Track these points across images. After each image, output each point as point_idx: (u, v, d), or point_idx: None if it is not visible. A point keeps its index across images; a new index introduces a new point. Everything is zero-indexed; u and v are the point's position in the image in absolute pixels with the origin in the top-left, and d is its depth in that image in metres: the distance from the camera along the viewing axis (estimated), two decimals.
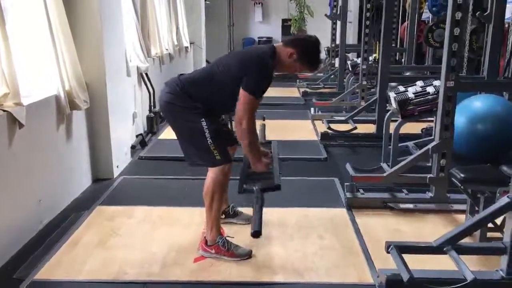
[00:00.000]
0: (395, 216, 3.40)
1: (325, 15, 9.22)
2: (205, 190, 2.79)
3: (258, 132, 3.25)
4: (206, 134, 2.69)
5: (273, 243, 3.01)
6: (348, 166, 3.83)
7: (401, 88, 4.33)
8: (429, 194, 3.53)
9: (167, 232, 3.18)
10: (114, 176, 4.23)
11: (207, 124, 2.69)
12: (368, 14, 6.17)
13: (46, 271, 2.67)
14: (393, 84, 5.18)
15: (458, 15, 3.11)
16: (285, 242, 3.03)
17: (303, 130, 5.91)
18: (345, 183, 3.64)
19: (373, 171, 3.83)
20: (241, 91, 2.64)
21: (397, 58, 9.07)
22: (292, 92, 8.75)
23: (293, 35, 3.26)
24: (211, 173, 2.79)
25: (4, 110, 2.83)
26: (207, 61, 10.70)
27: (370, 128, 5.44)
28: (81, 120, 3.93)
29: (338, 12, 8.26)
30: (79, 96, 3.69)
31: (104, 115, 4.08)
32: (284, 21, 14.27)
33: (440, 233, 2.51)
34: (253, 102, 2.66)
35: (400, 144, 4.37)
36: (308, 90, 8.27)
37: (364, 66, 6.22)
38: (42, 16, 3.34)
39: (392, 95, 4.25)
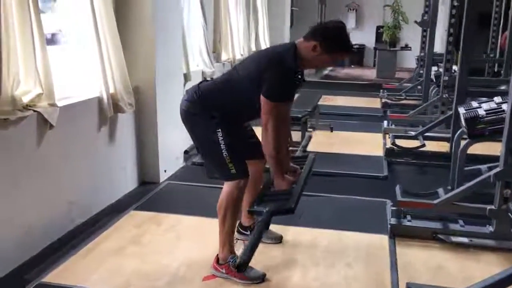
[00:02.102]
0: (443, 251, 2.97)
1: (415, 21, 8.63)
2: (219, 204, 2.62)
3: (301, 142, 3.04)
4: (221, 145, 2.52)
5: (293, 268, 2.76)
6: (398, 188, 3.44)
7: (474, 104, 3.85)
8: (489, 228, 3.05)
9: (188, 244, 3.05)
10: (161, 181, 4.20)
11: (223, 135, 2.52)
12: (452, 20, 5.61)
13: (55, 275, 2.65)
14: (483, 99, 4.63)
15: None
16: (307, 268, 2.76)
17: (371, 144, 5.51)
18: (391, 208, 3.26)
19: (426, 196, 3.40)
20: (261, 97, 2.44)
21: (495, 70, 8.29)
22: (373, 102, 8.30)
23: (315, 25, 2.95)
24: (226, 187, 2.61)
25: (34, 110, 2.88)
26: None
27: (445, 147, 4.92)
28: (128, 123, 3.95)
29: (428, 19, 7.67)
30: (124, 99, 3.70)
31: (152, 118, 4.07)
32: (378, 28, 13.72)
33: None
34: (276, 109, 2.44)
35: (471, 167, 3.88)
36: (388, 101, 7.76)
37: (446, 78, 5.66)
38: (88, 19, 3.39)
39: (461, 111, 3.79)
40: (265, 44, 8.68)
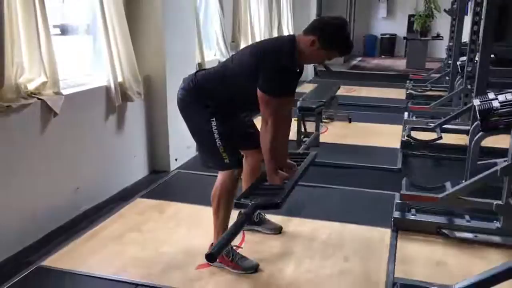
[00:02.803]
0: (446, 246, 2.89)
1: (444, 10, 8.37)
2: (212, 194, 2.62)
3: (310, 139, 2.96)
4: (215, 134, 2.51)
5: (288, 259, 2.74)
6: (404, 181, 3.36)
7: (491, 95, 3.71)
8: (496, 224, 2.94)
9: (189, 232, 3.07)
10: (171, 170, 4.24)
11: (217, 124, 2.50)
12: (477, 8, 5.40)
13: (55, 259, 2.72)
14: None
15: None
16: (302, 260, 2.73)
17: (389, 136, 5.39)
18: (396, 201, 3.19)
19: (433, 189, 3.31)
20: (258, 91, 2.41)
21: None
22: (398, 93, 8.11)
23: (315, 19, 2.87)
24: (220, 177, 2.61)
25: (39, 98, 2.94)
26: None
27: (464, 140, 4.76)
28: (139, 111, 3.99)
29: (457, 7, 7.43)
30: (132, 87, 3.74)
31: (163, 107, 4.10)
32: (410, 17, 13.37)
33: None
34: (274, 103, 2.40)
35: (487, 161, 3.74)
36: (413, 92, 7.57)
37: (470, 68, 5.48)
38: (96, 8, 3.42)
39: (475, 102, 3.66)
40: (288, 33, 8.59)
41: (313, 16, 9.84)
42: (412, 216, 3.09)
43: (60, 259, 2.72)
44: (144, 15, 3.91)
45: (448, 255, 2.79)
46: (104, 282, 2.51)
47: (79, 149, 3.32)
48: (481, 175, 2.93)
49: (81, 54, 3.58)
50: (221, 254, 2.13)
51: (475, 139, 3.56)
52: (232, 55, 2.64)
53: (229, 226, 2.65)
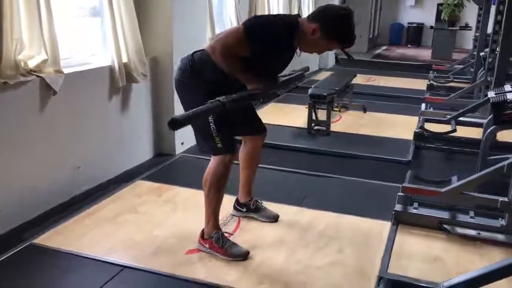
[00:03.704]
0: (446, 242, 2.78)
1: None
2: (204, 179, 2.58)
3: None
4: (209, 118, 2.45)
5: (279, 248, 2.68)
6: (409, 173, 3.25)
7: (507, 88, 3.57)
8: (501, 222, 2.82)
9: (183, 216, 3.04)
10: (176, 153, 4.21)
11: None
12: None
13: (47, 237, 2.72)
14: None
15: None
16: (294, 249, 2.67)
17: (403, 127, 5.24)
18: (398, 193, 3.09)
19: (438, 183, 3.19)
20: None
21: None
22: (420, 84, 7.90)
23: (321, 6, 2.78)
24: (212, 162, 2.56)
25: (38, 76, 2.93)
26: None
27: (481, 133, 4.60)
28: (144, 93, 3.97)
29: None
30: (137, 69, 3.71)
31: (169, 90, 4.04)
32: (439, 5, 12.99)
33: None
34: (238, 38, 2.31)
35: (499, 156, 3.60)
36: (434, 83, 7.36)
37: (491, 59, 5.28)
38: None
39: (490, 95, 3.52)
40: None
41: (336, 2, 9.64)
42: (414, 210, 2.99)
43: (52, 238, 2.72)
44: None
45: (447, 251, 2.69)
46: (91, 263, 2.49)
47: (80, 129, 3.31)
48: (486, 170, 2.81)
49: (86, 34, 3.55)
50: (183, 124, 2.02)
51: (487, 132, 3.43)
52: None
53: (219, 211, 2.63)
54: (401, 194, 3.05)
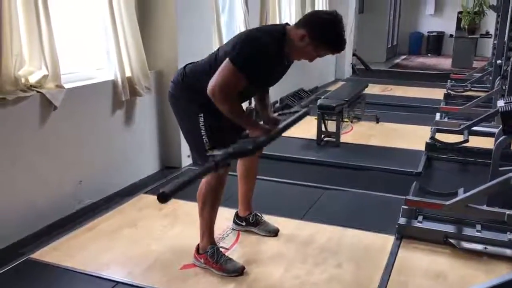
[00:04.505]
0: (451, 257, 2.68)
1: (489, 6, 7.93)
2: (198, 193, 2.54)
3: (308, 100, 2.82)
4: (202, 131, 2.43)
5: (277, 263, 2.62)
6: (415, 185, 3.16)
7: None
8: (509, 236, 2.71)
9: (182, 230, 3.01)
10: (183, 166, 4.20)
11: (204, 120, 2.42)
12: None
13: (44, 252, 2.73)
14: None
15: None
16: (292, 264, 2.60)
17: (416, 137, 5.11)
18: (402, 206, 3.00)
19: (444, 195, 3.09)
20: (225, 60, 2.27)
21: None
22: (438, 93, 7.73)
23: (308, 13, 2.71)
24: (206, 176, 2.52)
25: (38, 91, 2.95)
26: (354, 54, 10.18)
27: None
28: (149, 106, 3.97)
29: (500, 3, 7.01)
30: (140, 82, 3.72)
31: None
32: (460, 13, 12.76)
33: None
34: (232, 74, 2.22)
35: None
36: (451, 92, 7.20)
37: (506, 67, 5.13)
38: (104, 3, 3.42)
39: (500, 104, 3.41)
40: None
41: (352, 13, 9.59)
42: (418, 224, 2.89)
43: (50, 253, 2.72)
44: (157, 10, 3.88)
45: (451, 267, 2.59)
46: (84, 278, 2.48)
47: (82, 143, 3.32)
48: (492, 182, 2.70)
49: (89, 49, 3.58)
50: (172, 195, 1.91)
51: (497, 142, 3.31)
52: (219, 47, 2.54)
53: (214, 228, 2.59)
54: (405, 207, 2.96)
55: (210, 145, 2.43)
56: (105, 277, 2.48)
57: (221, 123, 2.43)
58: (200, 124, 2.43)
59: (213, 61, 2.42)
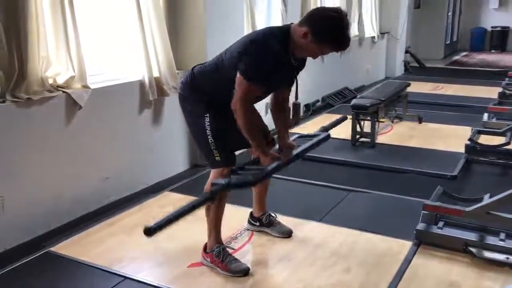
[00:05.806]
0: (468, 267, 2.54)
1: None
2: (203, 192, 2.55)
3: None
4: (207, 131, 2.45)
5: (284, 265, 2.59)
6: (438, 190, 3.02)
7: None
8: None
9: (197, 228, 2.99)
10: None
11: (210, 120, 2.44)
12: None
13: (64, 246, 2.84)
14: None
15: None
16: (299, 267, 2.57)
17: (459, 139, 4.84)
18: (422, 211, 2.87)
19: (468, 201, 2.92)
20: (237, 74, 2.29)
21: None
22: (493, 92, 7.33)
23: (312, 9, 2.61)
24: (211, 175, 2.54)
25: (63, 91, 3.09)
26: None
27: None
28: (178, 106, 3.97)
29: None
30: (168, 82, 3.79)
31: None
32: None
33: None
34: (248, 89, 2.27)
35: None
36: (506, 91, 6.79)
37: None
38: (132, 3, 3.51)
39: None
40: (373, 30, 8.15)
41: (404, 9, 9.27)
42: (438, 230, 2.77)
43: (68, 246, 2.84)
44: (186, 11, 3.95)
45: (466, 277, 2.45)
46: (95, 272, 2.57)
47: (108, 141, 3.44)
48: None
49: (117, 50, 3.70)
50: (157, 231, 2.01)
51: None
52: (226, 48, 2.54)
53: (220, 228, 2.61)
54: (425, 212, 2.84)
55: (214, 144, 2.45)
56: (114, 272, 2.56)
57: (226, 124, 2.45)
58: (206, 125, 2.45)
59: (220, 63, 2.45)
